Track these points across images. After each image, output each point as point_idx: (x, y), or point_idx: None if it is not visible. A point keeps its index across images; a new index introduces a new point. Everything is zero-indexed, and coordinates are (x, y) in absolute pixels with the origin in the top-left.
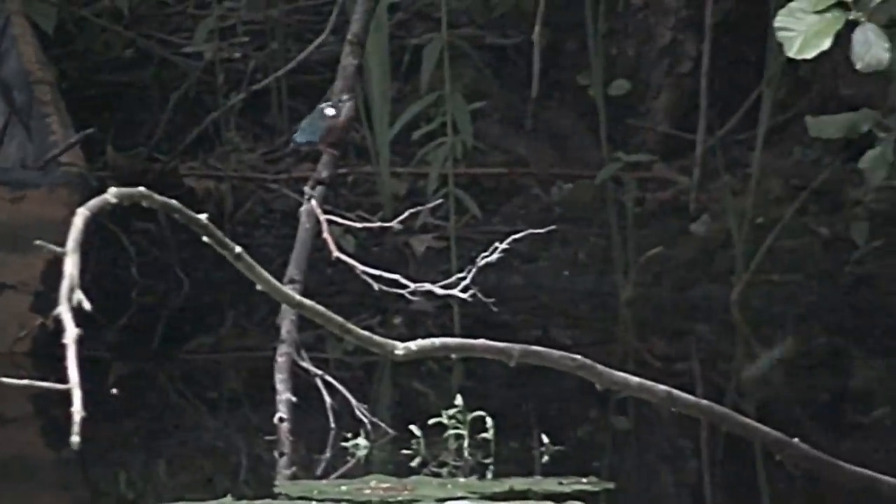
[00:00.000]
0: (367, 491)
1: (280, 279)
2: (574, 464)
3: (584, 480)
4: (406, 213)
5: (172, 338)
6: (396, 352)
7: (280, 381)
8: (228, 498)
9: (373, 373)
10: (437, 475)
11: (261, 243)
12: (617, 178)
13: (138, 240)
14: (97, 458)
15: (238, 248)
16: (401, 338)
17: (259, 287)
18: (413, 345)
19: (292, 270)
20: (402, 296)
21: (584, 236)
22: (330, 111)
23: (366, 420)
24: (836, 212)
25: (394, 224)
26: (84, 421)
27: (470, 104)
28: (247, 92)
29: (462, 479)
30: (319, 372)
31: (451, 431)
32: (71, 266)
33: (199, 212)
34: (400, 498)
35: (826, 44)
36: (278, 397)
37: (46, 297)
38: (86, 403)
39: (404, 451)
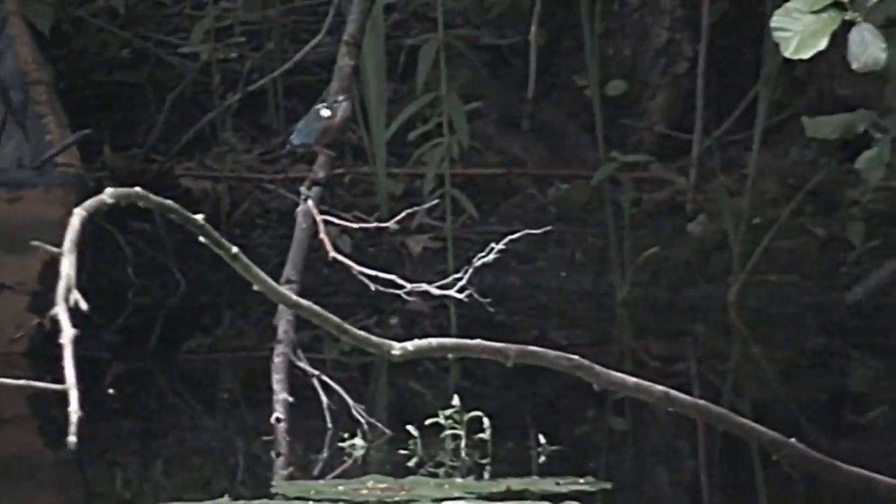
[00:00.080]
0: (364, 491)
1: (277, 279)
2: (571, 464)
3: (581, 481)
4: (402, 214)
5: (169, 338)
6: (393, 352)
7: (277, 381)
8: (225, 498)
9: (369, 373)
10: (434, 475)
11: (257, 244)
12: (613, 179)
13: (135, 240)
14: (94, 459)
15: (235, 249)
16: (397, 338)
17: (256, 287)
18: (410, 345)
19: (289, 271)
20: (398, 296)
21: (580, 236)
22: (325, 112)
23: (363, 420)
24: (833, 212)
25: (390, 224)
26: (81, 421)
27: (466, 104)
28: (243, 92)
29: (459, 480)
30: (316, 372)
31: (448, 432)
32: (68, 266)
33: (195, 212)
34: (397, 498)
35: (822, 44)
36: (275, 397)
37: (43, 298)
38: (83, 403)
39: (401, 452)
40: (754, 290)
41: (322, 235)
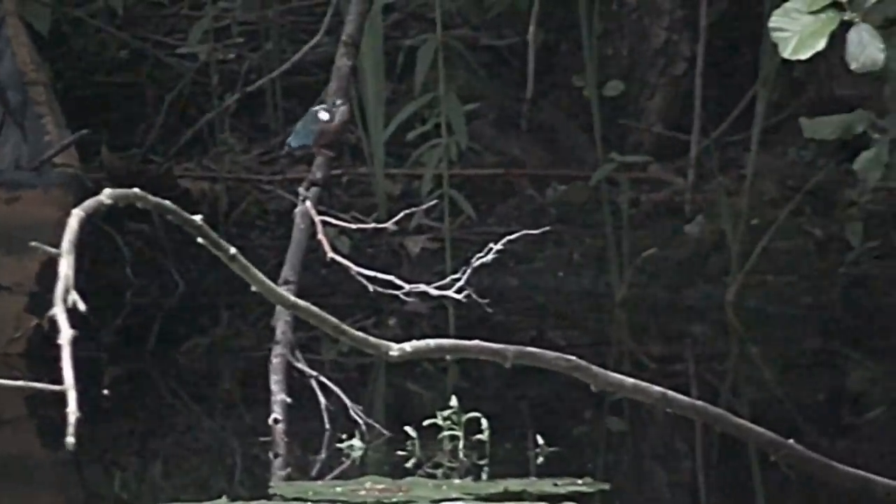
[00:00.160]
0: (362, 492)
1: (275, 280)
2: (569, 465)
3: (579, 481)
4: (401, 214)
5: (167, 339)
6: (391, 353)
7: (275, 382)
8: (223, 499)
9: (367, 374)
10: (432, 476)
11: (255, 244)
12: (612, 179)
13: (133, 241)
14: (92, 459)
15: (233, 250)
16: (395, 339)
17: (254, 288)
18: (408, 346)
19: (287, 271)
20: (396, 297)
21: (578, 237)
22: (324, 115)
23: (361, 421)
24: (831, 213)
25: (388, 225)
26: (79, 422)
27: (464, 105)
28: (241, 93)
29: (457, 481)
30: (314, 373)
31: (446, 432)
32: (66, 267)
33: (193, 213)
34: (395, 499)
35: (821, 44)
36: (273, 398)
37: (41, 298)
38: (81, 404)
39: (399, 453)
40: (752, 290)
41: (320, 236)
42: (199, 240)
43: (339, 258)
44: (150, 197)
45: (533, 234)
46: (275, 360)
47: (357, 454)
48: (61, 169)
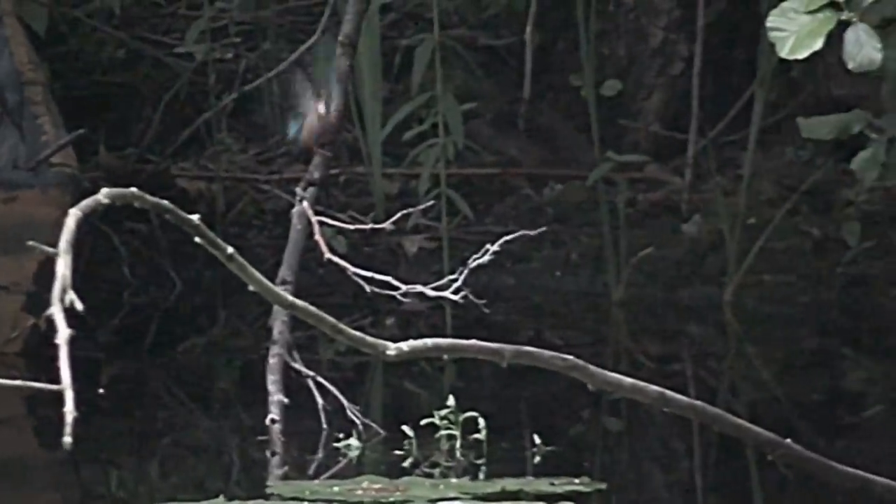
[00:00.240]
0: (359, 492)
1: (272, 280)
2: (566, 464)
3: (577, 481)
4: (398, 214)
5: (165, 338)
6: (388, 352)
7: (272, 381)
8: (220, 498)
9: (365, 373)
10: (430, 476)
11: (253, 244)
12: (609, 179)
13: (130, 240)
14: (89, 459)
15: (230, 249)
16: (393, 338)
17: (251, 288)
18: (405, 345)
19: (284, 271)
20: (394, 296)
21: (575, 237)
22: (320, 107)
23: (358, 421)
24: (828, 212)
25: (386, 225)
26: (76, 421)
27: (461, 105)
28: (239, 92)
29: (454, 480)
30: (311, 373)
31: (444, 432)
32: (63, 267)
33: (191, 212)
34: (392, 499)
35: (818, 44)
36: (270, 398)
37: (38, 298)
38: (78, 404)
39: (396, 452)
40: (750, 290)
41: (317, 236)
42: (197, 239)
43: (336, 258)
44: (148, 196)
45: (530, 234)
46: (272, 360)
47: (354, 453)
48: (58, 168)
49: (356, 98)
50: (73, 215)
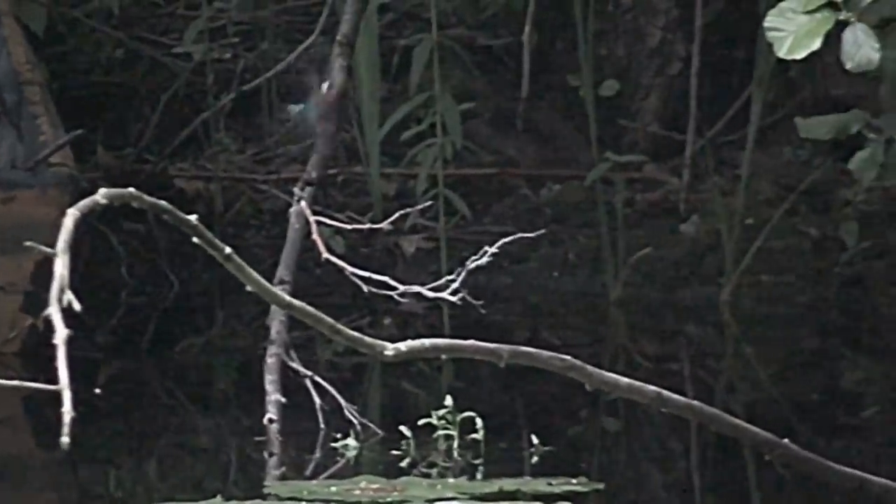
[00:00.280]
0: (357, 492)
1: (270, 280)
2: (564, 464)
3: (574, 481)
4: (396, 214)
5: (162, 338)
6: (386, 352)
7: (269, 381)
8: (218, 498)
9: (362, 373)
10: (427, 476)
11: (251, 244)
12: (606, 179)
13: (128, 240)
14: (87, 459)
15: (228, 249)
16: (391, 338)
17: (249, 288)
18: (403, 345)
19: (282, 271)
20: (391, 297)
21: (573, 237)
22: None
23: (355, 421)
24: (826, 212)
25: (383, 225)
26: (74, 421)
27: (459, 105)
28: (237, 92)
29: (452, 480)
30: (309, 373)
31: (441, 432)
32: (61, 267)
33: (188, 212)
34: (389, 499)
35: (816, 44)
36: (268, 398)
37: (36, 298)
38: (76, 404)
39: (394, 452)
40: (748, 290)
41: (315, 236)
42: (195, 239)
43: (333, 258)
44: (146, 197)
45: (528, 236)
46: (269, 360)
47: (352, 454)
48: (57, 169)
49: (354, 98)
50: (71, 215)
